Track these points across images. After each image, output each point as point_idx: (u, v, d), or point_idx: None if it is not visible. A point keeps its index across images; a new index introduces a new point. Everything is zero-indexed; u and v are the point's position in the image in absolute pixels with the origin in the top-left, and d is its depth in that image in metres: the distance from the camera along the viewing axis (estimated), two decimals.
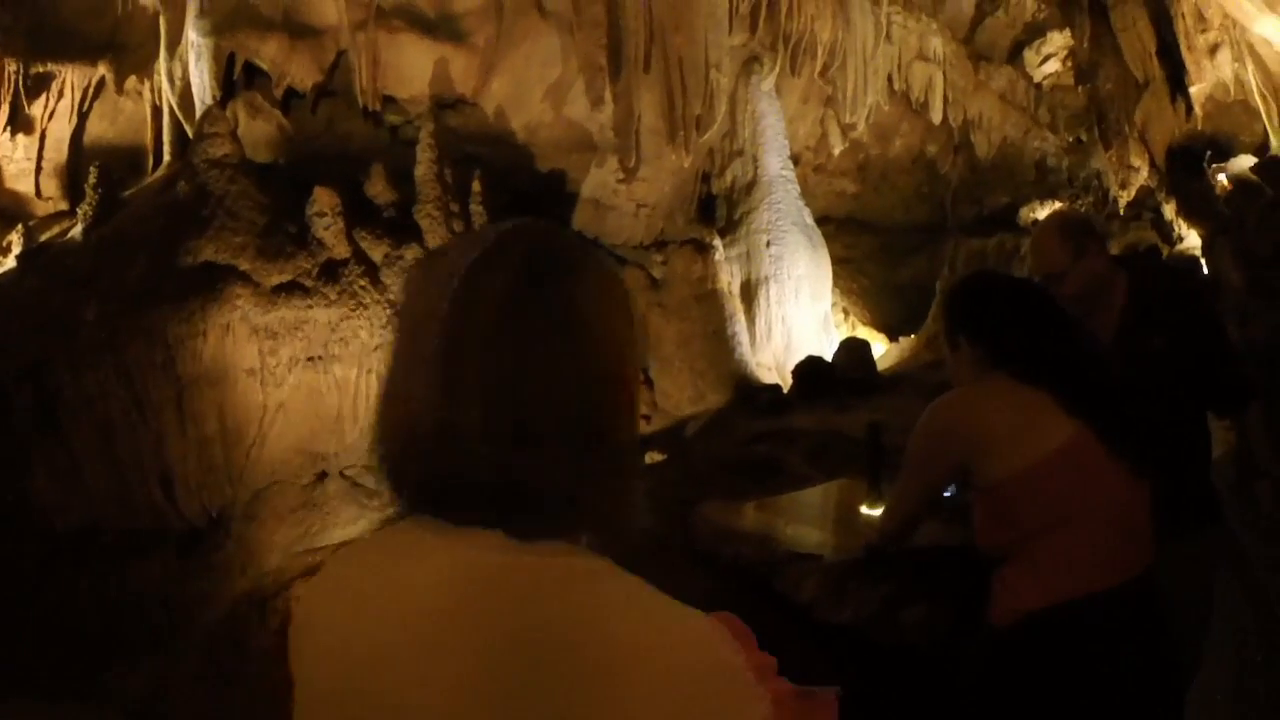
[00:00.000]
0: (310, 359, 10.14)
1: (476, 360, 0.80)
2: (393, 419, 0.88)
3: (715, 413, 11.27)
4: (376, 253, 10.66)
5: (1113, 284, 2.55)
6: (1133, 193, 12.05)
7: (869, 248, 12.83)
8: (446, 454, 0.81)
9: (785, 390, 11.32)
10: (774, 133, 12.02)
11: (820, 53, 11.44)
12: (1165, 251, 11.58)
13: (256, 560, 9.49)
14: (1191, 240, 11.47)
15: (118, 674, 8.15)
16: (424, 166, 10.60)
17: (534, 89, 11.37)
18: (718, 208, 12.54)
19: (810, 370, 11.09)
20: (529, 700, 0.70)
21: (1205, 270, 11.15)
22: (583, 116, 11.58)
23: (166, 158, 10.80)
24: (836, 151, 12.60)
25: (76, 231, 9.88)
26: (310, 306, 10.09)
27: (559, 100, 11.44)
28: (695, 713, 0.69)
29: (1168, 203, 11.64)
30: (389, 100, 10.95)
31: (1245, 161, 9.51)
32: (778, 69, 11.74)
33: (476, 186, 11.10)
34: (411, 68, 10.80)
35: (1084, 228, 2.63)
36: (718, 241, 11.69)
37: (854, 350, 11.29)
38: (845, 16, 11.31)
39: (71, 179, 11.40)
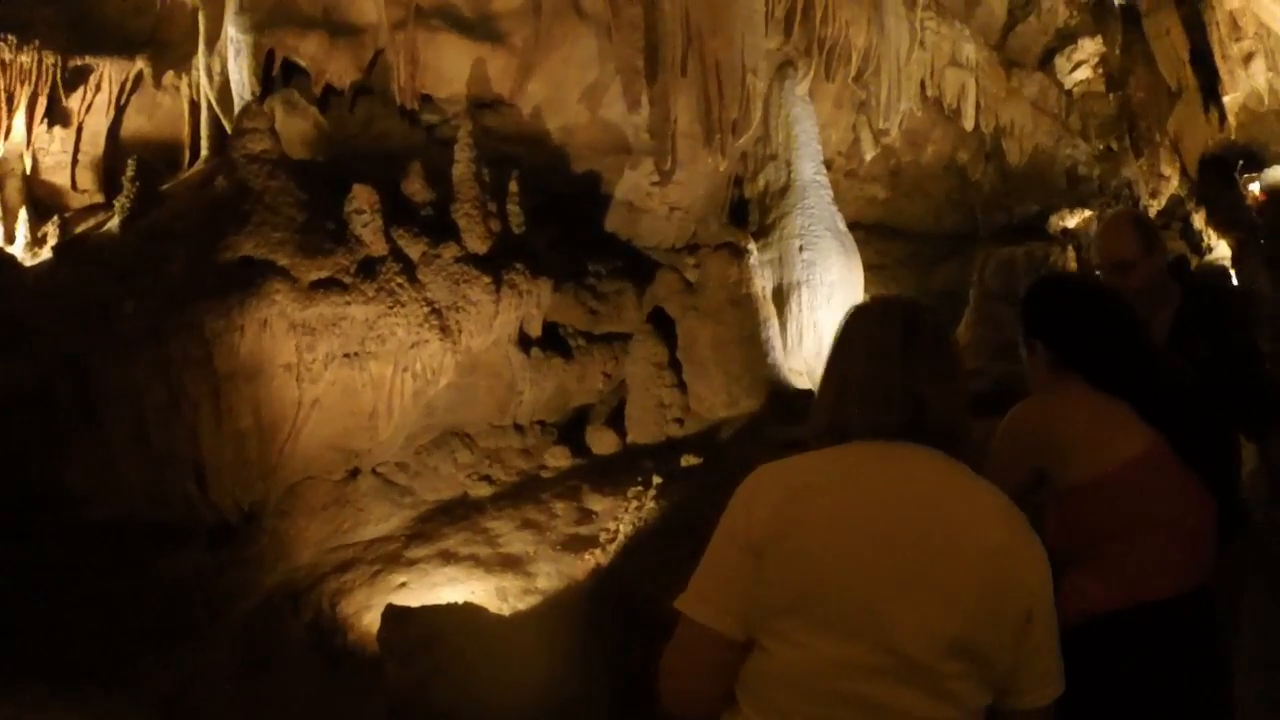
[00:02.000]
0: (347, 355, 9.71)
1: (926, 362, 1.39)
2: (855, 386, 1.40)
3: (749, 417, 10.79)
4: (414, 251, 10.22)
5: (1168, 288, 2.56)
6: (1163, 201, 11.55)
7: (900, 254, 12.35)
8: (913, 408, 1.36)
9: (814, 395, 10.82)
10: (808, 137, 11.55)
11: (854, 58, 10.98)
12: (1194, 261, 11.12)
13: (289, 555, 9.05)
14: (1221, 250, 11.00)
15: (150, 664, 7.73)
16: (462, 166, 10.17)
17: (571, 91, 10.93)
18: (750, 212, 12.08)
19: None
20: (957, 511, 1.31)
21: (1235, 280, 10.69)
22: (619, 119, 11.14)
23: (204, 153, 10.37)
24: (868, 157, 12.13)
25: (113, 224, 9.46)
26: (348, 303, 9.65)
27: (595, 102, 11.00)
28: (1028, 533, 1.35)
29: (1197, 212, 11.15)
30: (426, 100, 10.53)
31: (1279, 173, 9.05)
32: (812, 74, 11.28)
33: (513, 187, 10.68)
34: (449, 67, 10.38)
35: (1154, 226, 2.69)
36: (752, 245, 11.22)
37: None
38: (879, 22, 10.85)
39: (108, 172, 10.97)
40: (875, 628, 1.23)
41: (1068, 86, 11.59)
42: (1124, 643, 1.77)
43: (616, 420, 11.25)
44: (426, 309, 10.20)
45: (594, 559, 9.41)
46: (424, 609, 8.46)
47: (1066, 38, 11.46)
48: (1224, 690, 1.88)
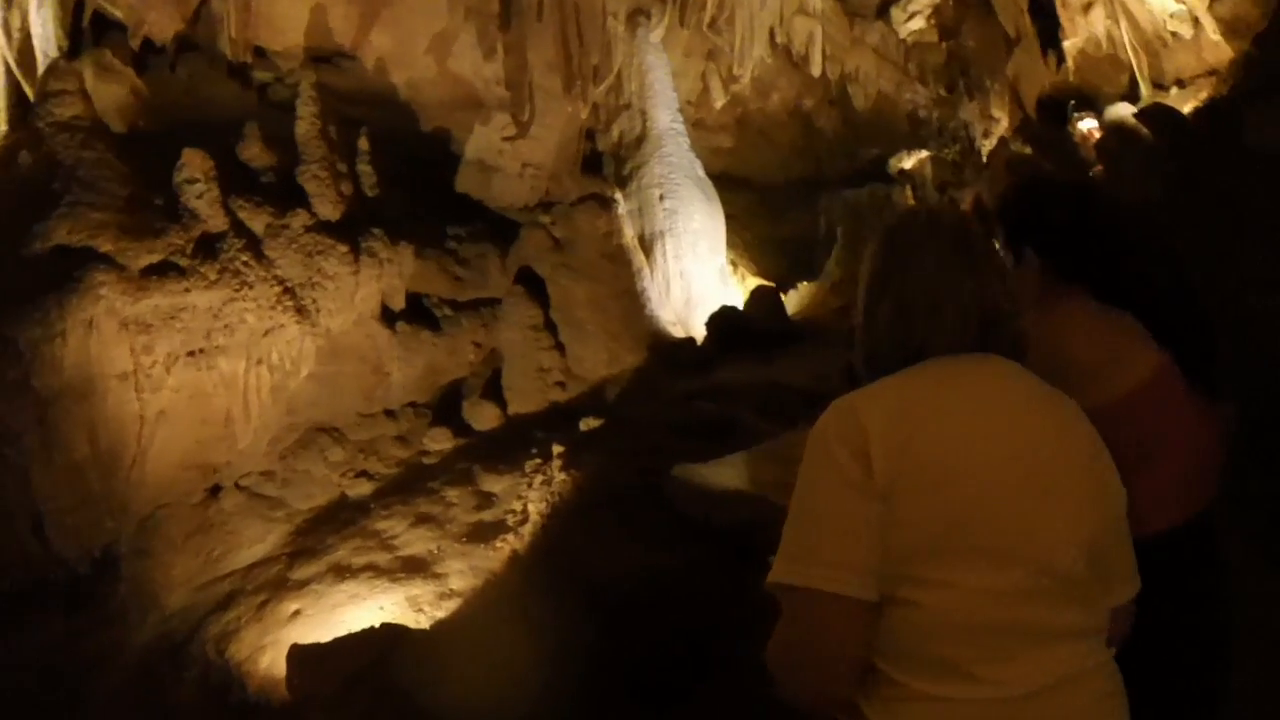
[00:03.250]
0: (191, 354, 7.88)
1: (989, 271, 1.25)
2: (925, 302, 1.23)
3: (635, 373, 9.84)
4: (257, 223, 8.40)
5: None
6: (993, 142, 11.69)
7: (747, 203, 11.73)
8: (989, 321, 1.23)
9: (698, 344, 10.05)
10: (663, 85, 10.55)
11: (709, 5, 10.06)
12: None
13: (157, 602, 7.28)
14: None
15: None
16: (306, 123, 8.40)
17: (418, 41, 9.30)
18: (605, 164, 10.98)
19: (726, 322, 9.87)
20: (1054, 417, 1.21)
21: None
22: (469, 72, 9.63)
23: (2, 127, 7.82)
24: (718, 105, 11.33)
25: None
26: (187, 290, 7.80)
27: (444, 53, 9.43)
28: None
29: (1023, 150, 11.37)
30: (259, 55, 8.55)
31: (1123, 110, 9.21)
32: (666, 21, 10.23)
33: (363, 144, 9.02)
34: (285, 16, 8.53)
35: (1028, 164, 2.24)
36: (619, 195, 10.16)
37: (765, 299, 10.18)
38: None
39: None
40: (1026, 547, 1.10)
41: (902, 36, 11.33)
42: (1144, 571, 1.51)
43: (494, 392, 9.96)
44: (278, 288, 8.47)
45: (508, 546, 8.16)
46: (337, 642, 6.99)
47: None
48: (1226, 610, 1.71)
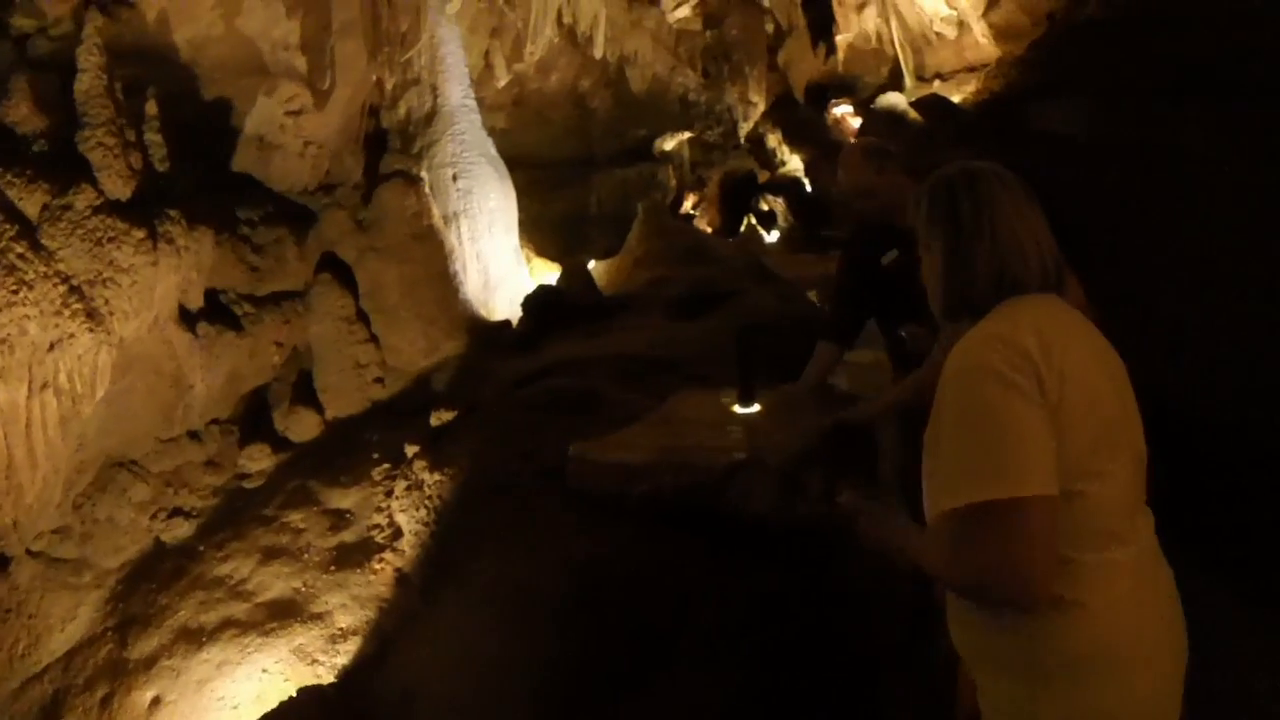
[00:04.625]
0: None
1: (1046, 218, 1.48)
2: (1014, 244, 1.45)
3: (460, 360, 9.00)
4: (31, 204, 6.49)
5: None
6: (751, 125, 12.30)
7: (520, 183, 11.16)
8: (1059, 261, 1.47)
9: (513, 326, 9.50)
10: (455, 60, 9.68)
11: None
12: (765, 176, 12.17)
13: None
14: (794, 164, 12.22)
15: None
16: (90, 76, 6.57)
17: None
18: (391, 142, 9.81)
19: (544, 301, 9.41)
20: (1105, 342, 1.48)
21: (809, 188, 12.02)
22: (257, 32, 8.09)
23: None
24: (501, 84, 10.62)
25: None
26: None
27: (233, 9, 7.80)
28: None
29: (772, 134, 12.15)
30: None
31: (895, 98, 10.20)
32: None
33: (151, 109, 7.25)
34: None
35: (881, 150, 2.75)
36: (425, 173, 9.18)
37: (579, 275, 9.85)
38: None
39: None
40: (1133, 441, 1.42)
41: (670, 23, 11.49)
42: None
43: (305, 396, 8.53)
44: (63, 287, 6.57)
45: (389, 565, 7.07)
46: None
47: None
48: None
